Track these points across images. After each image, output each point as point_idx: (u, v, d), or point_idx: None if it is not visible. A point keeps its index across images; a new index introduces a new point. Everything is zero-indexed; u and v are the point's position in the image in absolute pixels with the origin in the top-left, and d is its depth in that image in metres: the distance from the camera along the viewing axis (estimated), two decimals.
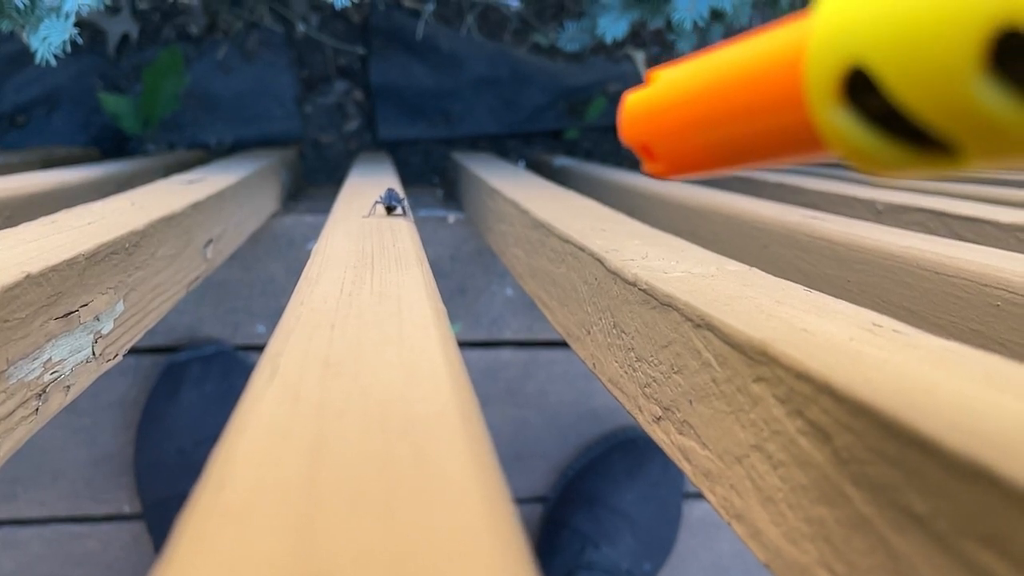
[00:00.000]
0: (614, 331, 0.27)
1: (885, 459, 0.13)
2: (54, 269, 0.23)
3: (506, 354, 0.74)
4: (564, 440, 0.77)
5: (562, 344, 0.74)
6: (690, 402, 0.21)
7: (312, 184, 0.94)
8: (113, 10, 0.86)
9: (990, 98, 0.08)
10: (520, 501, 0.78)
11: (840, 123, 0.10)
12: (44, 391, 0.23)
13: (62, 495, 0.71)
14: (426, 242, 0.43)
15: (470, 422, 0.13)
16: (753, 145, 0.12)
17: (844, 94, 0.10)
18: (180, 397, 0.67)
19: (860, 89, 0.10)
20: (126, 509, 0.73)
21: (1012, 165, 0.09)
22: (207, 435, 0.66)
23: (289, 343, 0.16)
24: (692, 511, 0.79)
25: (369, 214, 0.39)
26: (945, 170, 0.10)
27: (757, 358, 0.17)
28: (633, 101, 0.15)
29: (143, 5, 0.87)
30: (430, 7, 0.92)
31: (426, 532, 0.09)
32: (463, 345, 0.74)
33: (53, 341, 0.24)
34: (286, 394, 0.13)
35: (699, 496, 0.79)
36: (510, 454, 0.77)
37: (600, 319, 0.28)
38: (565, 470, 0.77)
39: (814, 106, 0.10)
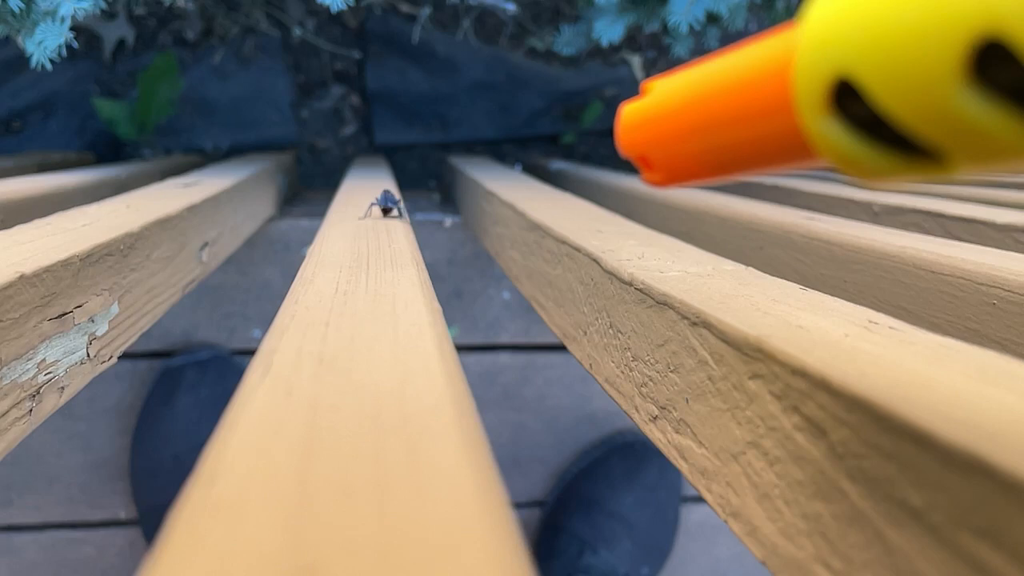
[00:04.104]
0: (610, 331, 0.27)
1: (880, 453, 0.13)
2: (48, 270, 0.23)
3: (503, 358, 0.74)
4: (562, 444, 0.77)
5: (559, 347, 0.74)
6: (686, 400, 0.21)
7: (309, 189, 0.94)
8: (109, 15, 0.86)
9: (973, 107, 0.08)
10: (518, 505, 0.78)
11: (829, 132, 0.10)
12: (38, 392, 0.23)
13: (58, 501, 0.71)
14: (423, 246, 0.43)
15: (464, 418, 0.12)
16: (747, 153, 0.13)
17: (832, 103, 0.10)
18: (176, 402, 0.67)
19: (848, 97, 0.10)
20: (122, 515, 0.72)
21: (998, 170, 0.09)
22: (203, 440, 0.66)
23: (283, 341, 0.16)
24: (690, 515, 0.79)
25: (365, 215, 0.39)
26: (933, 176, 0.10)
27: (753, 355, 0.17)
28: (629, 112, 0.15)
29: (139, 10, 0.88)
30: (426, 11, 0.92)
31: (417, 525, 0.09)
32: (460, 349, 0.74)
33: (47, 342, 0.23)
34: (279, 390, 0.13)
35: (697, 500, 0.79)
36: (508, 458, 0.77)
37: (596, 319, 0.28)
38: (563, 474, 0.77)
39: (803, 115, 0.10)
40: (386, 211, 0.39)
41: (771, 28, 0.12)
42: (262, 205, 0.62)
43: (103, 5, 0.49)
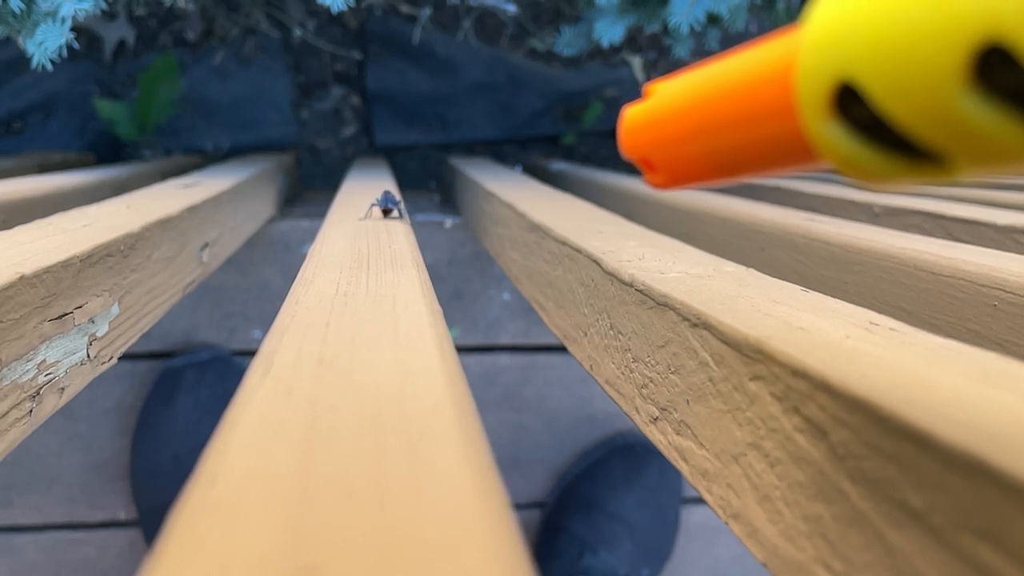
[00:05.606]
0: (611, 332, 0.27)
1: (881, 454, 0.13)
2: (48, 270, 0.23)
3: (503, 359, 0.74)
4: (562, 445, 0.77)
5: (560, 348, 0.74)
6: (687, 402, 0.21)
7: (309, 189, 0.94)
8: (109, 15, 0.86)
9: (975, 111, 0.08)
10: (518, 506, 0.78)
11: (832, 135, 0.10)
12: (38, 393, 0.23)
13: (58, 501, 0.71)
14: (423, 247, 0.43)
15: (464, 418, 0.12)
16: (749, 156, 0.13)
17: (834, 106, 0.10)
18: (176, 403, 0.67)
19: (850, 100, 0.10)
20: (122, 516, 0.72)
21: (1000, 173, 0.09)
22: (203, 441, 0.66)
23: (283, 341, 0.16)
24: (690, 516, 0.79)
25: (365, 216, 0.39)
26: (935, 179, 0.10)
27: (754, 356, 0.17)
28: (632, 114, 0.15)
29: (139, 11, 0.88)
30: (427, 12, 0.92)
31: (417, 525, 0.09)
32: (460, 350, 0.74)
33: (47, 343, 0.23)
34: (279, 390, 0.13)
35: (697, 501, 0.79)
36: (508, 459, 0.77)
37: (597, 320, 0.28)
38: (563, 475, 0.77)
39: (806, 119, 0.10)
40: (386, 212, 0.39)
41: (772, 29, 0.12)
42: (262, 206, 0.62)
43: (103, 6, 0.49)
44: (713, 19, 0.62)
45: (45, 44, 0.48)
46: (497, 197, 0.47)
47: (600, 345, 0.28)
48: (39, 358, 0.23)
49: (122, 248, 0.29)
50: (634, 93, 0.96)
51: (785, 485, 0.16)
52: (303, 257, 0.29)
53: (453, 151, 0.97)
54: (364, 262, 0.26)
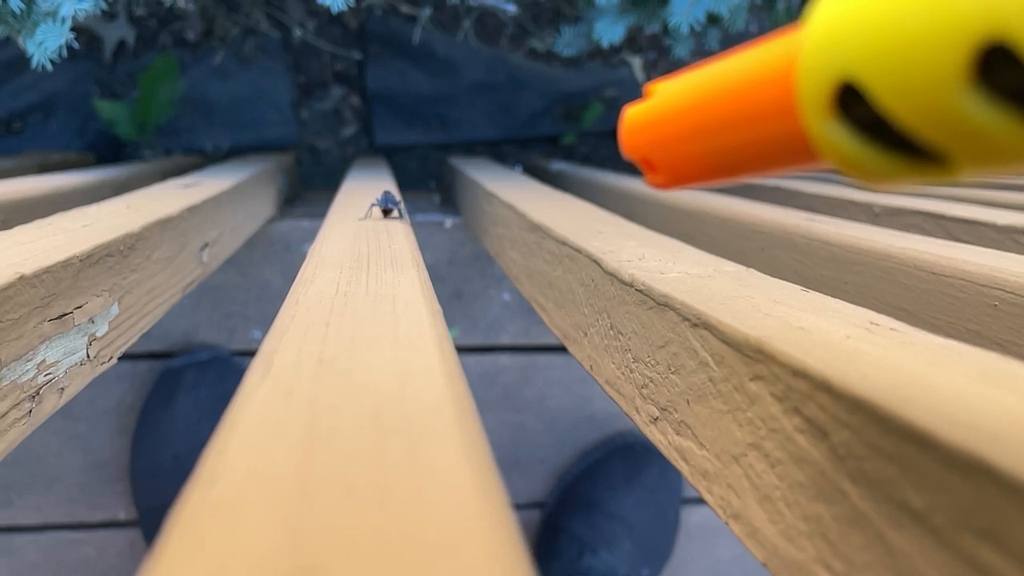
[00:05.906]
0: (611, 332, 0.27)
1: (882, 455, 0.13)
2: (48, 271, 0.23)
3: (503, 359, 0.74)
4: (562, 445, 0.77)
5: (560, 348, 0.74)
6: (687, 402, 0.21)
7: (309, 189, 0.94)
8: (109, 16, 0.86)
9: (977, 110, 0.08)
10: (518, 506, 0.78)
11: (833, 135, 0.10)
12: (37, 393, 0.23)
13: (58, 501, 0.71)
14: (423, 247, 0.43)
15: (464, 418, 0.12)
16: (750, 156, 0.13)
17: (835, 106, 0.10)
18: (176, 403, 0.67)
19: (852, 99, 0.10)
20: (122, 516, 0.72)
21: (1001, 172, 0.09)
22: (203, 441, 0.66)
23: (283, 341, 0.16)
24: (690, 516, 0.79)
25: (365, 216, 0.39)
26: (937, 179, 0.10)
27: (754, 356, 0.17)
28: (633, 114, 0.15)
29: (139, 11, 0.88)
30: (427, 12, 0.92)
31: (417, 525, 0.09)
32: (460, 350, 0.73)
33: (47, 343, 0.23)
34: (279, 390, 0.13)
35: (697, 501, 0.79)
36: (508, 459, 0.77)
37: (597, 320, 0.28)
38: (563, 475, 0.77)
39: (807, 119, 0.10)
40: (386, 212, 0.39)
41: (772, 29, 0.12)
42: (262, 206, 0.62)
43: (103, 6, 0.49)
44: (713, 19, 0.62)
45: (45, 44, 0.48)
46: (497, 197, 0.47)
47: (600, 345, 0.28)
48: (39, 358, 0.23)
49: (122, 248, 0.29)
50: (634, 93, 0.96)
51: (786, 485, 0.16)
52: (303, 257, 0.29)
53: (453, 151, 0.97)
54: (364, 262, 0.26)
